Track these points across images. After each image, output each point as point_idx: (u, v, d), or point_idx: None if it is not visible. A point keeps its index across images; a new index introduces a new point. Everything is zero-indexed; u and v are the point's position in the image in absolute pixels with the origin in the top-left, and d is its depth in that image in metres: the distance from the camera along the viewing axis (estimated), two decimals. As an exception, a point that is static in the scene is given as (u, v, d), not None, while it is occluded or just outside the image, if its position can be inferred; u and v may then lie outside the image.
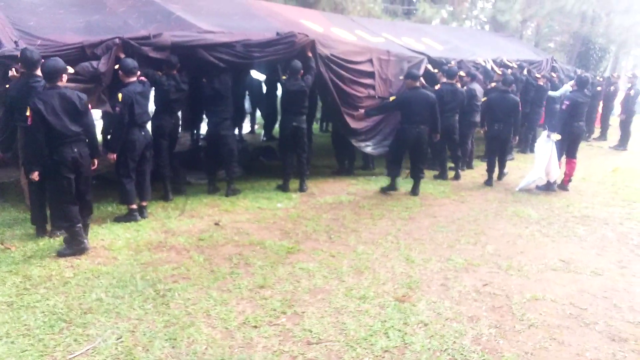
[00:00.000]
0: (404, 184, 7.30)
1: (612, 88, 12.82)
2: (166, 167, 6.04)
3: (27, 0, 6.01)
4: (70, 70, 4.59)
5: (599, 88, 12.15)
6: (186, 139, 9.08)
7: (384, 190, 6.85)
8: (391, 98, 6.86)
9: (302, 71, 6.43)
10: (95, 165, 4.61)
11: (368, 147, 7.47)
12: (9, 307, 3.41)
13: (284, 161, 6.86)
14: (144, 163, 5.38)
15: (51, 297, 3.56)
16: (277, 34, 6.27)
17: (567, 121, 6.86)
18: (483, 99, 8.03)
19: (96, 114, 6.81)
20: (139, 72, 5.19)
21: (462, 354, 2.98)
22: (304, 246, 4.71)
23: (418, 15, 16.01)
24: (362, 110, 7.10)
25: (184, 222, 5.30)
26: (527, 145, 10.61)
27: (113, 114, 5.17)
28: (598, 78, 12.95)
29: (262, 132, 11.57)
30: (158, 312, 3.38)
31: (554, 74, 10.68)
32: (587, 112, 9.63)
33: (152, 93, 5.78)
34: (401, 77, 7.21)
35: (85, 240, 4.40)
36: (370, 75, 7.32)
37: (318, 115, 13.00)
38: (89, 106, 4.33)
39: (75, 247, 4.33)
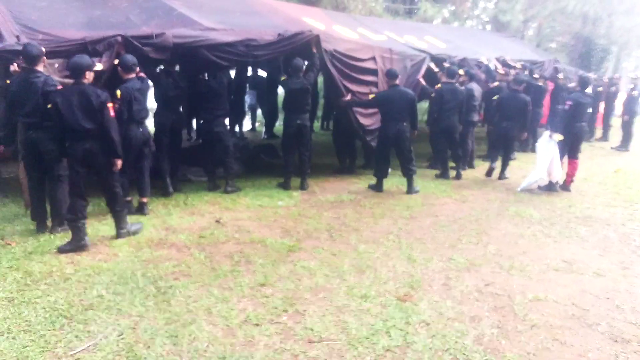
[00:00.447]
0: (406, 182, 7.30)
1: (613, 89, 12.80)
2: (166, 164, 6.04)
3: (30, -6, 6.00)
4: (99, 66, 4.69)
5: (600, 89, 12.13)
6: (186, 136, 9.08)
7: (372, 188, 6.85)
8: (370, 96, 6.82)
9: (303, 69, 6.42)
10: (116, 166, 4.53)
11: (373, 142, 7.45)
12: (9, 303, 3.40)
13: (285, 159, 6.85)
14: (143, 159, 5.38)
15: (52, 293, 3.55)
16: (279, 34, 6.24)
17: (569, 122, 6.85)
18: (494, 97, 8.13)
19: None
20: (137, 69, 5.18)
21: (464, 354, 2.97)
22: (305, 244, 4.70)
23: (419, 15, 16.01)
24: (349, 97, 7.02)
25: (184, 220, 5.29)
26: (527, 145, 10.62)
27: None
28: (604, 79, 12.93)
29: (263, 129, 11.56)
30: (159, 309, 3.37)
31: (560, 76, 10.66)
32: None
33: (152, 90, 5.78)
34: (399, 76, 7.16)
35: (85, 237, 4.39)
36: (374, 72, 7.31)
37: (319, 113, 13.02)
38: (108, 104, 4.31)
39: (75, 243, 4.32)
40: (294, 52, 6.41)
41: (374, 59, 7.28)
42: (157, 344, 2.96)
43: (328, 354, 2.93)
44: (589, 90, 8.62)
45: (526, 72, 9.54)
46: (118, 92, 4.96)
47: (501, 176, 7.77)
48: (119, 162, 4.53)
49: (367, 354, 2.94)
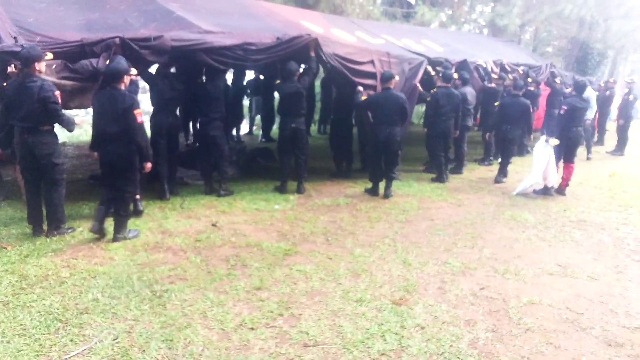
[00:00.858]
0: (402, 186, 7.32)
1: (607, 93, 12.85)
2: (163, 166, 6.05)
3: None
4: (133, 71, 4.87)
5: (596, 93, 12.18)
6: (183, 139, 9.07)
7: (368, 192, 6.86)
8: (362, 97, 6.79)
9: (298, 73, 6.42)
10: (146, 169, 4.75)
11: None
12: (5, 307, 3.40)
13: (281, 163, 6.85)
14: None
15: (47, 296, 3.55)
16: (278, 38, 6.25)
17: (564, 126, 6.88)
18: (496, 103, 8.40)
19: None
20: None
21: (458, 357, 2.99)
22: (301, 248, 4.70)
23: (417, 18, 16.06)
24: (361, 88, 7.01)
25: (181, 223, 5.30)
26: (522, 149, 10.67)
27: None
28: (601, 83, 12.97)
29: (260, 133, 11.57)
30: (154, 313, 3.37)
31: (557, 80, 10.70)
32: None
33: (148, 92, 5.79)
34: (396, 78, 7.16)
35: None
36: (372, 76, 7.31)
37: (316, 117, 13.04)
38: (134, 110, 4.45)
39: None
40: (291, 56, 6.42)
41: (372, 62, 7.30)
42: (152, 347, 2.96)
43: (323, 358, 2.94)
44: (592, 93, 8.81)
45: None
46: None
47: (497, 179, 7.81)
48: (148, 166, 4.74)
49: (362, 358, 2.95)
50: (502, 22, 16.77)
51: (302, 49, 6.37)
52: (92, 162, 8.29)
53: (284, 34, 6.41)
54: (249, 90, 11.04)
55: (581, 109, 6.93)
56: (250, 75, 11.17)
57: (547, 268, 4.42)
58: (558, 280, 4.18)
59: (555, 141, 6.79)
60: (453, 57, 8.86)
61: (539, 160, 6.91)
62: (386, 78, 6.54)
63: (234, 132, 10.62)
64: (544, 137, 6.99)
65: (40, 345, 2.97)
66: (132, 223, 5.19)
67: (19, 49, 4.49)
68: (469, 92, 8.27)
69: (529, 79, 9.83)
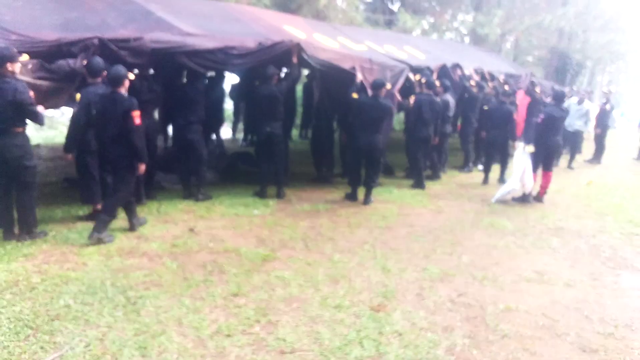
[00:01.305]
0: (382, 192, 7.34)
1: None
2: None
3: (3, -6, 5.88)
4: (131, 76, 4.99)
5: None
6: (161, 142, 8.97)
7: (347, 197, 6.85)
8: (354, 95, 6.70)
9: (276, 77, 6.39)
10: (140, 171, 4.86)
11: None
12: (-29, 313, 3.29)
13: (261, 167, 6.81)
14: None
15: (17, 302, 3.45)
16: (260, 43, 6.21)
17: (542, 134, 6.98)
18: (485, 107, 8.93)
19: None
20: (105, 73, 5.09)
21: (435, 364, 2.98)
22: (279, 254, 4.67)
23: (399, 26, 16.20)
24: (359, 77, 6.97)
25: (157, 228, 5.21)
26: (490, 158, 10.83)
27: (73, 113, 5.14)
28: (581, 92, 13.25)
29: (241, 137, 11.52)
30: (128, 320, 3.30)
31: (537, 89, 10.87)
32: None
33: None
34: (388, 86, 7.15)
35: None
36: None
37: (298, 121, 13.02)
38: (132, 112, 4.57)
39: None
40: (273, 61, 6.39)
41: (354, 69, 7.29)
42: (126, 355, 2.90)
43: (299, 366, 2.90)
44: (590, 106, 9.20)
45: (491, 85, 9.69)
46: (77, 96, 4.92)
47: (485, 181, 8.30)
48: (142, 167, 4.85)
49: (338, 365, 2.92)
50: (483, 31, 17.01)
51: (284, 54, 6.35)
52: (66, 165, 8.13)
53: (266, 39, 6.38)
54: (231, 95, 10.96)
55: (559, 118, 7.03)
56: (234, 79, 11.11)
57: (525, 275, 4.45)
58: (535, 287, 4.21)
59: (530, 148, 6.90)
60: (435, 64, 8.94)
61: (516, 167, 7.01)
62: (377, 85, 6.48)
63: (214, 136, 10.53)
64: (522, 145, 7.09)
65: (9, 352, 2.88)
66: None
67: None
68: (450, 100, 8.36)
69: (506, 87, 9.99)
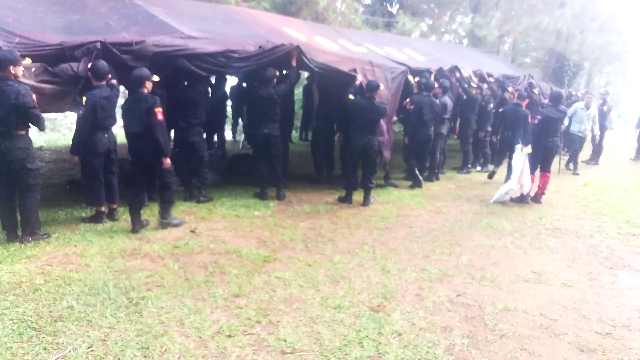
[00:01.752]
0: (381, 193, 7.37)
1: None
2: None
3: (7, -4, 5.91)
4: (155, 78, 5.18)
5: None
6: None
7: (342, 200, 6.86)
8: (350, 96, 6.69)
9: (275, 80, 6.42)
10: (165, 165, 5.10)
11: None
12: (-25, 314, 3.32)
13: (259, 169, 6.85)
14: (110, 165, 5.36)
15: (21, 304, 3.48)
16: (260, 47, 6.25)
17: (538, 136, 7.03)
18: (500, 110, 9.17)
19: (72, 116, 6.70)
20: (109, 76, 5.16)
21: (434, 364, 3.02)
22: (280, 255, 4.70)
23: (398, 28, 16.24)
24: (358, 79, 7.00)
25: (159, 230, 5.25)
26: (501, 157, 10.87)
27: (78, 116, 5.17)
28: (578, 94, 13.29)
29: (242, 139, 11.55)
30: (130, 321, 3.33)
31: (535, 91, 10.93)
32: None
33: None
34: (381, 88, 7.21)
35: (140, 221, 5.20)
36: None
37: (297, 123, 13.06)
38: (155, 109, 4.88)
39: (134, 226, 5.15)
40: (274, 64, 6.43)
41: (355, 71, 7.32)
42: (128, 356, 2.93)
43: (300, 365, 2.94)
44: (595, 109, 9.19)
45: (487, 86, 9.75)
46: (83, 99, 4.97)
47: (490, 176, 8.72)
48: (167, 161, 5.09)
49: (339, 365, 2.96)
50: (481, 33, 17.06)
51: (284, 57, 6.39)
52: (69, 167, 8.18)
53: (267, 41, 6.42)
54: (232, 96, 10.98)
55: (556, 120, 7.07)
56: (234, 81, 11.13)
57: (523, 275, 4.49)
58: (533, 287, 4.25)
59: (528, 149, 6.94)
60: (434, 66, 8.99)
61: (515, 168, 7.05)
62: (372, 88, 6.53)
63: (215, 137, 10.56)
64: (519, 146, 7.13)
65: (13, 353, 2.91)
66: (108, 229, 5.15)
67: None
68: (448, 102, 8.42)
69: (510, 88, 10.10)
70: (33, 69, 4.67)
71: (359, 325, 3.42)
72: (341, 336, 3.26)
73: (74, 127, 7.05)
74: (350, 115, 6.71)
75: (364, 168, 6.74)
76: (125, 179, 6.07)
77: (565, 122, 10.11)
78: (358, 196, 6.89)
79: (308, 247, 4.96)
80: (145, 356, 2.94)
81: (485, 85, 9.46)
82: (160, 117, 4.94)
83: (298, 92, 12.26)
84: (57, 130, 13.26)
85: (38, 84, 4.67)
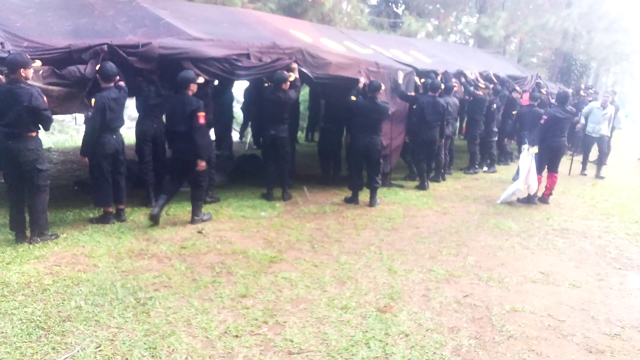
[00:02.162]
0: (388, 194, 7.37)
1: (590, 99, 13.09)
2: (149, 174, 6.03)
3: (15, 1, 5.95)
4: (200, 80, 5.45)
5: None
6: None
7: (348, 201, 6.86)
8: (352, 97, 6.68)
9: (287, 83, 6.43)
10: (199, 167, 5.32)
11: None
12: (-15, 314, 3.35)
13: (267, 170, 6.87)
14: (118, 166, 5.39)
15: (29, 304, 3.51)
16: (260, 61, 6.24)
17: (545, 136, 7.00)
18: (513, 112, 9.49)
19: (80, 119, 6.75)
20: (117, 77, 5.20)
21: (442, 364, 3.01)
22: (286, 255, 4.71)
23: (404, 28, 16.20)
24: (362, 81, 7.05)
25: (166, 230, 5.27)
26: (507, 157, 10.84)
27: (87, 117, 5.20)
28: (591, 91, 13.20)
29: (247, 140, 11.58)
30: (138, 321, 3.35)
31: (542, 91, 10.89)
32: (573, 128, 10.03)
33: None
34: (383, 88, 7.18)
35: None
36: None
37: (303, 124, 13.07)
38: (198, 113, 5.15)
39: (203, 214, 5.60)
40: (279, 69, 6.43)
41: (359, 72, 7.29)
42: (136, 356, 2.94)
43: (307, 366, 2.94)
44: (611, 109, 9.09)
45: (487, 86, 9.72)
46: (92, 101, 5.01)
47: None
48: (202, 164, 5.32)
49: (346, 365, 2.96)
50: (487, 33, 16.99)
51: (285, 69, 6.40)
52: (77, 168, 8.24)
53: (273, 43, 6.41)
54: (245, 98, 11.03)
55: (563, 119, 7.04)
56: (245, 83, 11.16)
57: (530, 276, 4.47)
58: (540, 287, 4.23)
59: (534, 149, 6.91)
60: (440, 68, 8.97)
61: (522, 168, 7.03)
62: (374, 88, 6.53)
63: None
64: (526, 146, 7.11)
65: (22, 353, 2.93)
66: (116, 230, 5.18)
67: (5, 54, 4.46)
68: (452, 101, 8.38)
69: (517, 88, 10.14)
70: (41, 72, 4.71)
71: (365, 325, 3.42)
72: (348, 337, 3.26)
73: (81, 128, 7.11)
74: (353, 116, 6.73)
75: (368, 168, 6.75)
76: (132, 180, 6.12)
77: (583, 121, 10.02)
78: (364, 197, 6.89)
79: (314, 248, 4.97)
80: (152, 356, 2.96)
81: (490, 86, 9.44)
82: (202, 120, 5.21)
83: (304, 93, 12.27)
84: (64, 132, 13.36)
85: (46, 86, 4.71)
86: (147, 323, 3.32)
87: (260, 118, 6.82)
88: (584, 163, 10.17)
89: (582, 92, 13.06)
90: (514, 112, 9.58)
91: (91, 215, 5.58)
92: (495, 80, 9.76)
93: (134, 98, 6.26)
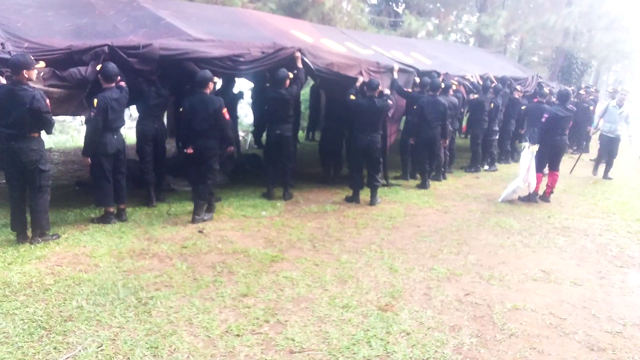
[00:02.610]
0: (389, 193, 7.37)
1: (591, 98, 13.08)
2: (150, 173, 6.04)
3: (15, 0, 5.95)
4: (217, 79, 5.74)
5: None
6: (172, 145, 9.04)
7: (349, 200, 6.86)
8: (352, 96, 6.68)
9: (287, 81, 6.42)
10: (228, 151, 5.98)
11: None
12: (-13, 314, 3.35)
13: (268, 169, 6.87)
14: (119, 166, 5.40)
15: (31, 304, 3.51)
16: (263, 52, 6.26)
17: (545, 134, 6.99)
18: (522, 108, 9.63)
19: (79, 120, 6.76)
20: (118, 78, 5.20)
21: (443, 363, 3.01)
22: (288, 255, 4.71)
23: (404, 27, 16.18)
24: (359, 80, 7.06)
25: (167, 230, 5.27)
26: (508, 156, 10.83)
27: (87, 118, 5.20)
28: (582, 91, 13.17)
29: (249, 139, 11.59)
30: (139, 320, 3.35)
31: (546, 90, 10.87)
32: (575, 127, 9.99)
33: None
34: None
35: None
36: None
37: (304, 124, 13.08)
38: (222, 110, 5.49)
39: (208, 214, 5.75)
40: (280, 65, 6.43)
41: (360, 73, 7.28)
42: (137, 355, 2.94)
43: (309, 364, 2.94)
44: (629, 108, 8.92)
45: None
46: (95, 101, 5.01)
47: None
48: (231, 148, 5.98)
49: (347, 364, 2.96)
50: (487, 32, 16.96)
51: (289, 59, 6.40)
52: (78, 168, 8.25)
53: (274, 43, 6.42)
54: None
55: (564, 118, 7.03)
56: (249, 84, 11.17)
57: (531, 274, 4.47)
58: (542, 286, 4.23)
59: (534, 147, 6.91)
60: (441, 70, 8.95)
61: (522, 166, 7.02)
62: (373, 86, 6.55)
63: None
64: (527, 144, 7.10)
65: (23, 353, 2.93)
66: (117, 229, 5.18)
67: (6, 55, 4.47)
68: (451, 100, 8.38)
69: (519, 88, 10.14)
70: (42, 74, 4.72)
71: (367, 324, 3.42)
72: (349, 335, 3.26)
73: (83, 129, 7.12)
74: (353, 115, 6.73)
75: (368, 167, 6.75)
76: (133, 180, 6.12)
77: (600, 123, 9.70)
78: (365, 196, 6.88)
79: (315, 247, 4.97)
80: (154, 355, 2.96)
81: (492, 85, 9.46)
82: (227, 116, 5.61)
83: (305, 92, 12.27)
84: (65, 132, 13.38)
85: (47, 88, 4.71)
86: (148, 322, 3.32)
87: (262, 118, 6.83)
88: (600, 164, 9.68)
89: (582, 92, 13.02)
90: (523, 107, 9.61)
91: (92, 215, 5.58)
92: (495, 82, 9.75)
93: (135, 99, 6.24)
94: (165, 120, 6.55)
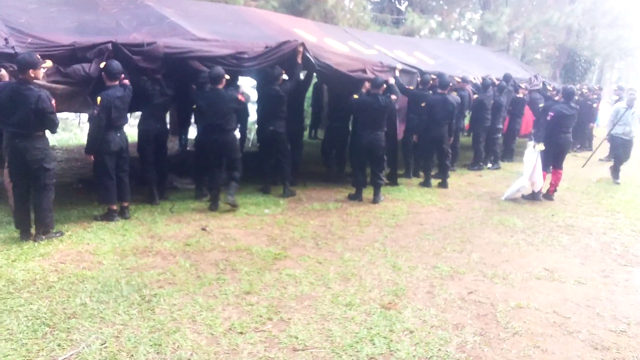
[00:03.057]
0: (392, 191, 7.36)
1: (594, 97, 13.04)
2: (152, 172, 6.04)
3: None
4: (227, 76, 5.81)
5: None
6: (174, 144, 9.03)
7: (352, 198, 6.85)
8: (355, 96, 6.67)
9: (281, 78, 6.43)
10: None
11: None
12: (-9, 311, 3.36)
13: (264, 165, 6.90)
14: (122, 164, 5.42)
15: (35, 301, 3.52)
16: (266, 47, 6.26)
17: (551, 132, 6.97)
18: (540, 105, 9.18)
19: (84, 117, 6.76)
20: (122, 76, 5.20)
21: (447, 361, 3.00)
22: (290, 252, 4.71)
23: (407, 25, 16.12)
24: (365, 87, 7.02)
25: (170, 227, 5.28)
26: (512, 155, 10.80)
27: (91, 116, 5.20)
28: (584, 90, 13.13)
29: (252, 137, 11.57)
30: (143, 318, 3.35)
31: (550, 87, 10.85)
32: (578, 124, 9.91)
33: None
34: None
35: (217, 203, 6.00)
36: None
37: (307, 121, 13.05)
38: (239, 96, 5.84)
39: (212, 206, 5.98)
40: (283, 60, 6.42)
41: (364, 71, 7.26)
42: (141, 352, 2.95)
43: (312, 362, 2.94)
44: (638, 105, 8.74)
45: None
46: (98, 99, 5.01)
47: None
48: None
49: (350, 362, 2.95)
50: (490, 30, 16.89)
51: (292, 53, 6.39)
52: (81, 166, 8.26)
53: (277, 42, 6.41)
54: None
55: (569, 116, 7.01)
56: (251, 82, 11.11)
57: (535, 272, 4.46)
58: (545, 284, 4.22)
59: (540, 146, 6.88)
60: (444, 70, 8.92)
61: (527, 165, 7.00)
62: (377, 84, 6.53)
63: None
64: (532, 143, 7.07)
65: (27, 350, 2.94)
66: (120, 227, 5.18)
67: (10, 50, 4.46)
68: (457, 99, 8.37)
69: (523, 86, 10.11)
70: (45, 70, 4.71)
71: (370, 322, 3.41)
72: (352, 333, 3.26)
73: (85, 127, 7.12)
74: (356, 114, 6.73)
75: (371, 165, 6.74)
76: (136, 178, 6.12)
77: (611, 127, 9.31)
78: (368, 194, 6.87)
79: (318, 245, 4.96)
80: (157, 353, 2.96)
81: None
82: (243, 98, 6.05)
83: (308, 90, 12.22)
84: (68, 130, 13.37)
85: (50, 84, 4.70)
86: (152, 320, 3.33)
87: (259, 115, 6.86)
88: (617, 170, 9.11)
89: (584, 90, 12.98)
90: (541, 105, 9.26)
91: (95, 213, 5.58)
92: (496, 82, 9.73)
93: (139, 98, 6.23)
94: (167, 118, 6.54)
